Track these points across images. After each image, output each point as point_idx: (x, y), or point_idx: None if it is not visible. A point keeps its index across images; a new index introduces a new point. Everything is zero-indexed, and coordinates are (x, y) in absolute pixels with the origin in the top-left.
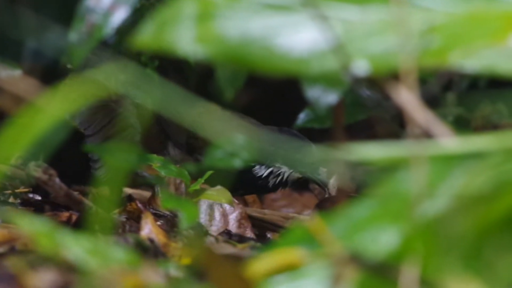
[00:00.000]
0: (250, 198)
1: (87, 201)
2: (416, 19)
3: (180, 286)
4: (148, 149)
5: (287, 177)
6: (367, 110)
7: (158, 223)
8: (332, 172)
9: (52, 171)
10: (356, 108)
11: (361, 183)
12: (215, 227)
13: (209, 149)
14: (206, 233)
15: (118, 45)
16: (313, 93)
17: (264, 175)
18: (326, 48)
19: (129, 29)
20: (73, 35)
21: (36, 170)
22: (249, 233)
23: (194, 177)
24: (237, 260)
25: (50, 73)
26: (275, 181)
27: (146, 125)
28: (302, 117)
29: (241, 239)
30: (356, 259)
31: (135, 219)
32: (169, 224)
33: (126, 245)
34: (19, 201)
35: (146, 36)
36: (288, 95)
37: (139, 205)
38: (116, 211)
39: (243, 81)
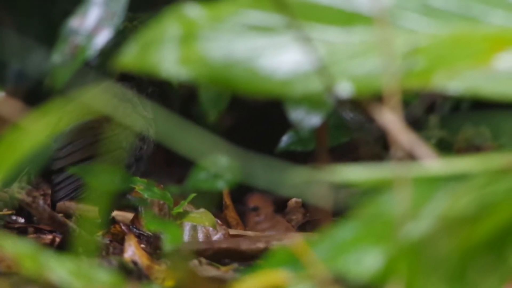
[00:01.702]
0: (233, 220)
1: (71, 223)
2: (400, 41)
3: None
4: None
5: None
6: (351, 132)
7: (142, 245)
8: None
9: (36, 193)
10: (339, 130)
11: (345, 205)
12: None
13: (192, 170)
14: (190, 255)
15: (101, 66)
16: (297, 115)
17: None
18: (310, 69)
19: (112, 50)
20: (57, 57)
21: (20, 192)
22: None
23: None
24: (220, 283)
25: (34, 95)
26: None
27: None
28: (285, 139)
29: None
30: (340, 280)
31: (118, 241)
32: (153, 246)
33: (109, 267)
34: (2, 223)
35: (130, 58)
36: (272, 117)
37: (123, 227)
38: (100, 233)
39: (227, 103)
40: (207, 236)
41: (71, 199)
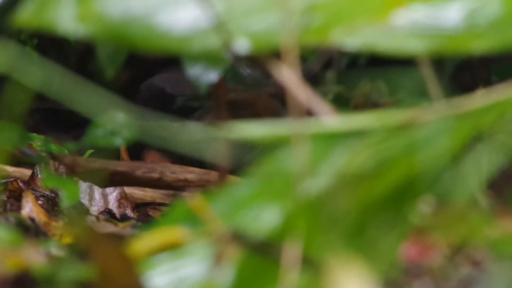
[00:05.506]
0: None
1: None
2: None
3: (62, 265)
4: None
5: None
6: (248, 88)
7: (39, 202)
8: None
9: None
10: (236, 86)
11: (242, 162)
12: (95, 207)
13: (89, 127)
14: (87, 212)
15: None
16: (194, 71)
17: None
18: (207, 26)
19: (9, 7)
20: None
21: None
22: (129, 213)
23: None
24: (118, 239)
25: None
26: None
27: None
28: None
29: (122, 218)
30: (238, 237)
31: (16, 198)
32: (50, 203)
33: (7, 224)
34: None
35: (27, 14)
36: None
37: (20, 184)
38: None
39: (123, 60)
40: (103, 194)
41: None
